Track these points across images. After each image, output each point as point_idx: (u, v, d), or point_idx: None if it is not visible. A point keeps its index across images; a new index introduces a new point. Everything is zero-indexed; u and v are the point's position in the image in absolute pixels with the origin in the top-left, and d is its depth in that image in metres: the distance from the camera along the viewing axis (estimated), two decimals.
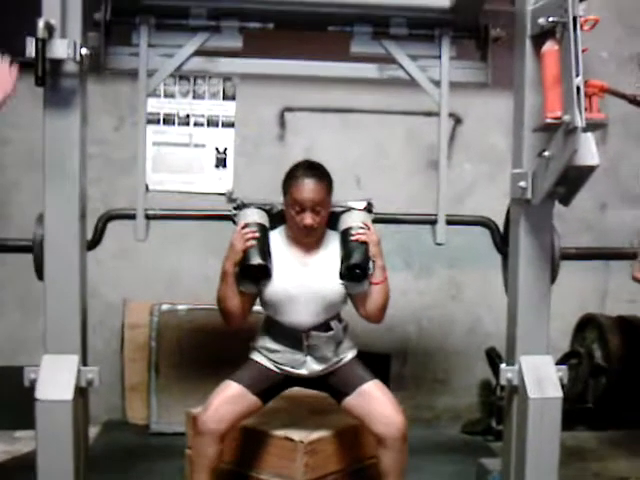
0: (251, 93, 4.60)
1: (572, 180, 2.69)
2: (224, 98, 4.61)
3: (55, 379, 2.66)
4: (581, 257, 3.32)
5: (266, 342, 3.19)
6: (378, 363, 4.57)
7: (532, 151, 2.81)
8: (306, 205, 3.05)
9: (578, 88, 2.44)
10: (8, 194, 4.50)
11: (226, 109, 4.62)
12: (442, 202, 3.52)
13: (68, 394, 2.63)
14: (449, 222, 3.54)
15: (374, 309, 3.18)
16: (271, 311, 3.17)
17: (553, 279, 2.99)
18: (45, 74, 2.47)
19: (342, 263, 3.12)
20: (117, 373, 4.56)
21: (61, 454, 2.64)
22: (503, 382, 2.99)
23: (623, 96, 3.24)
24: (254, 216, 3.18)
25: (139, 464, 3.90)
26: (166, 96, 4.56)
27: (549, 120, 2.59)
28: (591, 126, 2.52)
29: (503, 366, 3.01)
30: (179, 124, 4.60)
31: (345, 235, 3.16)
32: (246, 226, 3.11)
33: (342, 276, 3.12)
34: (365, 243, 3.10)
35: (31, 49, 2.48)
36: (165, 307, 4.44)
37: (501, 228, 3.41)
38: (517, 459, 2.94)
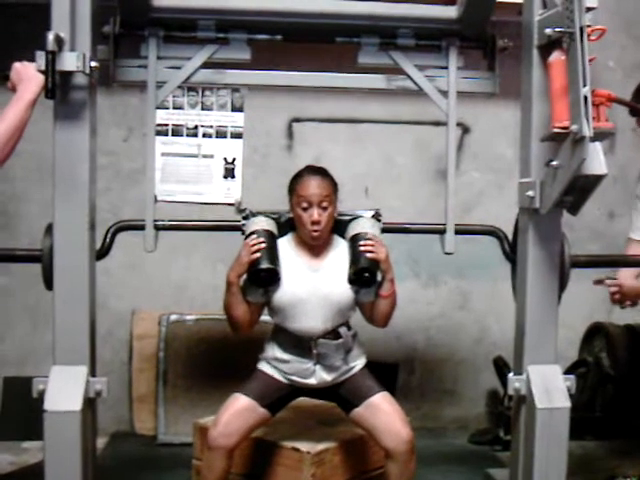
0: (259, 104, 4.62)
1: (580, 189, 2.69)
2: (232, 109, 4.63)
3: (63, 390, 2.67)
4: (591, 264, 3.30)
5: (275, 352, 3.18)
6: (386, 373, 4.57)
7: (540, 160, 2.82)
8: (312, 200, 3.06)
9: (585, 98, 2.45)
10: (17, 205, 4.51)
11: (234, 120, 4.63)
12: (450, 211, 3.51)
13: (76, 405, 2.63)
14: (457, 232, 3.53)
15: (380, 318, 3.19)
16: (280, 318, 3.15)
17: (563, 287, 2.98)
18: (55, 86, 2.48)
19: (350, 267, 3.11)
20: (125, 384, 4.56)
21: (69, 465, 2.64)
22: (511, 392, 2.98)
23: (630, 105, 3.24)
24: (262, 223, 3.18)
25: (147, 475, 3.90)
26: (175, 107, 4.58)
27: (557, 130, 2.59)
28: (599, 135, 2.52)
29: (511, 376, 3.00)
30: (188, 135, 4.61)
31: (354, 241, 3.15)
32: (253, 233, 3.11)
33: (351, 281, 3.10)
34: (374, 261, 3.08)
35: (41, 62, 2.50)
36: (173, 317, 4.44)
37: (509, 236, 3.40)
38: (525, 469, 2.94)
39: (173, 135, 4.59)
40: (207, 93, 4.60)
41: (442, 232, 3.52)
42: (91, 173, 2.77)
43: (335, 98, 4.49)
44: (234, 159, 4.63)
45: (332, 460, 3.33)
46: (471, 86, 3.51)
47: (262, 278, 3.06)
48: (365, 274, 3.08)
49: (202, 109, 4.61)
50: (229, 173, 4.63)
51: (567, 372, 3.02)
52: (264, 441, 3.33)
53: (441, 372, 4.85)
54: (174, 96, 4.53)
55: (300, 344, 3.13)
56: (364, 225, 3.20)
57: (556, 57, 2.65)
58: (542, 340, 2.95)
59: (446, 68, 3.46)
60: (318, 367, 3.14)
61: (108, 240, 3.35)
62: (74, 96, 2.68)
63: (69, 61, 2.57)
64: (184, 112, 4.60)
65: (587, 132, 2.44)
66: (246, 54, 3.39)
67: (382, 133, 4.71)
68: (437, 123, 4.47)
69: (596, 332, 4.64)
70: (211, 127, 4.62)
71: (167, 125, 4.57)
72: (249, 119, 4.64)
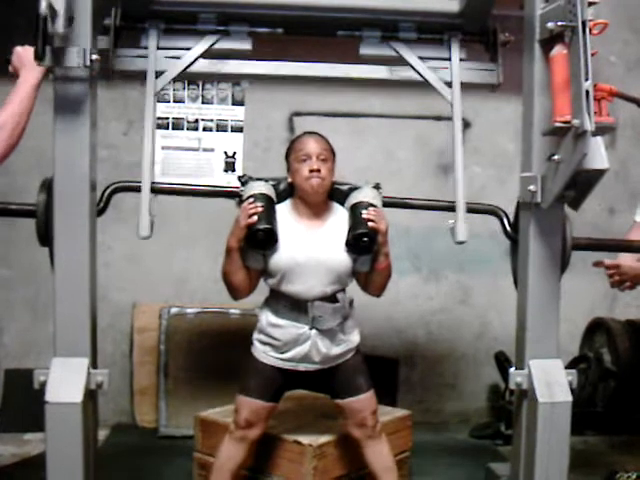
0: (260, 98, 4.62)
1: (581, 184, 2.69)
2: (233, 103, 4.63)
3: (65, 382, 2.67)
4: (592, 247, 3.28)
5: (268, 317, 3.11)
6: (387, 367, 4.58)
7: (541, 155, 2.81)
8: (311, 152, 3.05)
9: (587, 92, 2.45)
10: (17, 199, 4.50)
11: (235, 114, 4.63)
12: (460, 197, 3.39)
13: (78, 397, 2.64)
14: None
15: (374, 288, 3.17)
16: (276, 281, 3.09)
17: (564, 268, 2.98)
18: (45, 49, 2.45)
19: (350, 231, 3.05)
20: (126, 376, 4.57)
21: (70, 457, 2.65)
22: (512, 386, 2.99)
23: (632, 99, 3.24)
24: (260, 188, 3.14)
25: (148, 467, 3.90)
26: (175, 101, 4.58)
27: (558, 124, 2.59)
28: (600, 130, 2.52)
29: (512, 370, 3.00)
30: (188, 129, 4.61)
31: (356, 208, 3.10)
32: (251, 197, 3.07)
33: (349, 244, 3.05)
34: (374, 230, 3.03)
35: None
36: (174, 310, 4.45)
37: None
38: (526, 464, 2.94)
39: (174, 129, 4.59)
40: (208, 86, 4.60)
41: (448, 209, 3.43)
42: (92, 166, 2.77)
43: (336, 92, 4.48)
44: (234, 153, 4.63)
45: (334, 453, 3.34)
46: (474, 77, 3.47)
47: (260, 239, 3.00)
48: (364, 239, 3.02)
49: (203, 103, 4.61)
50: (229, 167, 4.63)
51: (568, 367, 3.02)
52: (266, 434, 3.32)
53: (442, 367, 4.85)
54: (174, 89, 4.54)
55: (296, 307, 3.07)
56: (367, 194, 3.16)
57: (558, 51, 2.65)
58: (544, 334, 2.95)
59: (449, 60, 3.43)
60: (314, 332, 3.07)
61: (105, 199, 3.28)
62: (74, 90, 2.68)
63: (70, 55, 2.58)
64: (185, 105, 4.60)
65: (589, 126, 2.44)
66: (247, 44, 3.37)
67: (383, 127, 4.71)
68: (438, 117, 4.49)
69: (597, 327, 4.65)
70: (212, 121, 4.62)
71: (167, 118, 4.57)
72: (250, 113, 4.64)
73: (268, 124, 4.67)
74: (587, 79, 2.46)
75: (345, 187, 3.21)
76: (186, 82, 4.56)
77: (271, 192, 3.15)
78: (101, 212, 3.24)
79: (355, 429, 3.17)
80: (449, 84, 3.41)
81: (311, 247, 3.05)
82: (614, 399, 4.46)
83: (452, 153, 3.37)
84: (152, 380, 4.47)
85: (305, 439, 3.28)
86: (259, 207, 3.00)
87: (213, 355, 4.32)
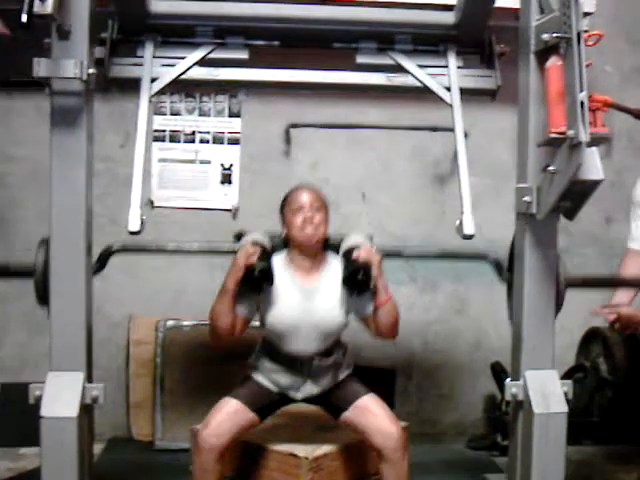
0: (256, 110, 4.62)
1: (577, 194, 2.69)
2: (230, 115, 4.63)
3: (60, 396, 2.66)
4: (587, 284, 3.31)
5: (265, 363, 3.22)
6: (383, 378, 4.57)
7: (537, 166, 2.82)
8: (304, 204, 3.11)
9: (582, 103, 2.45)
10: (13, 212, 4.51)
11: (232, 126, 4.63)
12: (466, 195, 3.34)
13: (73, 411, 2.63)
14: (448, 256, 3.68)
15: (385, 328, 3.20)
16: (271, 336, 3.20)
17: (559, 307, 2.99)
18: (31, 19, 2.37)
19: (344, 271, 3.12)
20: (122, 389, 4.55)
21: (66, 471, 2.63)
22: (508, 397, 2.98)
23: (627, 110, 3.25)
24: (257, 237, 3.21)
25: None
26: (172, 114, 4.58)
27: (554, 135, 2.59)
28: (596, 140, 2.53)
29: (508, 381, 3.00)
30: (185, 141, 4.62)
31: (347, 253, 3.17)
32: (249, 243, 3.13)
33: (346, 283, 3.12)
34: (367, 264, 3.09)
35: (38, 69, 2.49)
36: (170, 323, 4.44)
37: (503, 257, 3.40)
38: (522, 475, 2.93)
39: (170, 141, 4.60)
40: (205, 99, 4.60)
41: (442, 257, 3.61)
42: (88, 179, 2.77)
43: (332, 104, 4.49)
44: (231, 165, 4.63)
45: (330, 466, 3.33)
46: (473, 83, 3.46)
47: (257, 279, 3.05)
48: (359, 274, 3.08)
49: (199, 115, 4.61)
50: (226, 179, 4.63)
51: (564, 377, 3.02)
52: (261, 447, 3.33)
53: (439, 377, 4.84)
54: (172, 102, 4.55)
55: (292, 360, 3.18)
56: (356, 239, 3.23)
57: (553, 62, 2.65)
58: (539, 345, 2.95)
59: (446, 67, 3.42)
60: (309, 381, 3.20)
61: (102, 260, 3.38)
62: (71, 103, 2.68)
63: (66, 68, 2.58)
64: (181, 118, 4.60)
65: (584, 137, 2.44)
66: (244, 54, 3.37)
67: (380, 139, 4.71)
68: (434, 129, 4.49)
69: (593, 337, 4.64)
70: (208, 133, 4.63)
71: (164, 131, 4.58)
72: (246, 125, 4.64)
73: (265, 136, 4.67)
74: (582, 90, 2.46)
75: (339, 238, 3.28)
76: (183, 94, 4.57)
77: (267, 242, 3.22)
78: (97, 271, 3.29)
79: (375, 438, 3.09)
80: (448, 89, 3.40)
81: (306, 309, 3.13)
82: (611, 409, 4.45)
83: (449, 163, 3.39)
84: (148, 393, 4.45)
85: (301, 451, 3.27)
86: (257, 249, 3.08)
87: (209, 368, 4.30)
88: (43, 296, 2.81)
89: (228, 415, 3.07)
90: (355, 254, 3.11)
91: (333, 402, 3.22)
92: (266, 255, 3.12)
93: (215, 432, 3.02)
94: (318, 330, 3.14)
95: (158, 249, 3.61)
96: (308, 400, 3.27)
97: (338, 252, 3.24)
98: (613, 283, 3.45)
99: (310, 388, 3.21)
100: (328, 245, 3.24)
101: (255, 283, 3.08)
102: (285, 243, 3.22)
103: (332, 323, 3.16)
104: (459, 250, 3.71)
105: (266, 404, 3.19)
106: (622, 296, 3.45)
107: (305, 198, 3.13)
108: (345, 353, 3.28)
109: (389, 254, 3.54)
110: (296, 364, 3.18)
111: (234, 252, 3.17)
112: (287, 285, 3.15)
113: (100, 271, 3.36)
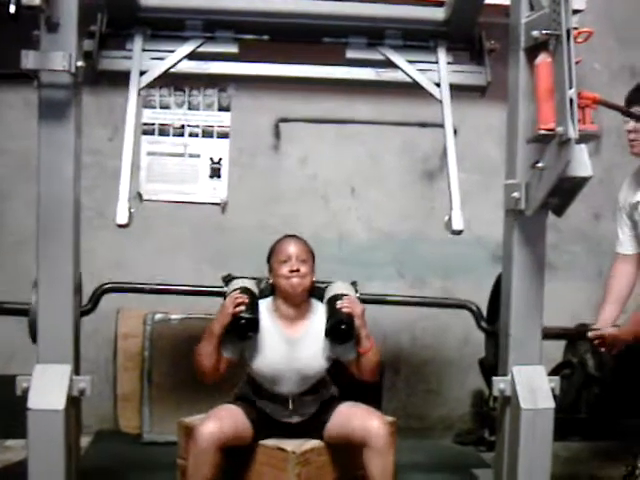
0: (246, 104, 4.61)
1: (565, 191, 2.70)
2: (219, 109, 4.62)
3: (47, 388, 2.66)
4: (563, 337, 3.50)
5: (250, 396, 3.33)
6: None
7: (526, 162, 2.83)
8: (291, 254, 3.22)
9: (571, 100, 2.46)
10: (2, 204, 4.49)
11: (221, 120, 4.62)
12: (455, 191, 3.30)
13: (60, 404, 2.63)
14: (428, 305, 3.91)
15: (367, 373, 3.30)
16: (259, 379, 3.29)
17: None
18: (20, 10, 2.36)
19: (328, 322, 3.20)
20: (110, 382, 4.54)
21: (52, 464, 2.64)
22: (495, 393, 2.99)
23: (616, 107, 3.24)
24: (245, 283, 3.32)
25: (131, 474, 3.87)
26: (161, 107, 4.57)
27: (543, 131, 2.60)
28: (584, 137, 2.54)
29: (495, 377, 3.01)
30: (174, 135, 4.60)
31: (330, 302, 3.26)
32: (237, 290, 3.23)
33: (328, 335, 3.20)
34: (350, 315, 3.17)
35: (26, 62, 2.48)
36: (158, 316, 4.43)
37: (483, 306, 3.49)
38: (509, 470, 2.94)
39: (160, 135, 4.58)
40: (194, 92, 4.59)
41: (420, 305, 3.82)
42: (76, 172, 2.77)
43: (322, 98, 4.48)
44: (220, 159, 4.62)
45: (317, 460, 3.32)
46: (462, 79, 3.46)
47: (243, 327, 3.15)
48: (342, 326, 3.16)
49: (189, 109, 4.60)
50: (215, 173, 4.62)
51: (552, 373, 3.03)
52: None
53: (427, 372, 4.85)
54: (161, 96, 4.53)
55: (277, 397, 3.29)
56: (339, 287, 3.34)
57: (542, 59, 2.66)
58: (526, 341, 2.96)
59: (436, 63, 3.42)
60: (294, 414, 3.30)
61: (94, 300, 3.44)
62: (59, 95, 2.67)
63: (55, 61, 2.57)
64: (171, 112, 4.58)
65: (573, 134, 2.45)
66: (234, 48, 3.36)
67: (369, 134, 4.70)
68: (424, 124, 4.49)
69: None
70: (197, 127, 4.61)
71: (153, 124, 4.56)
72: (236, 119, 4.63)
73: (254, 130, 4.66)
74: (571, 87, 2.47)
75: (323, 285, 3.39)
76: (172, 88, 4.55)
77: (254, 288, 3.32)
78: (89, 312, 3.36)
79: (357, 432, 3.14)
80: (438, 85, 3.40)
81: (290, 358, 3.23)
82: (598, 405, 4.47)
83: (439, 158, 3.38)
84: (136, 386, 4.44)
85: (288, 446, 3.27)
86: (245, 298, 3.17)
87: None
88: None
89: (228, 414, 3.15)
90: (339, 304, 3.19)
91: (320, 420, 3.29)
92: (253, 304, 3.21)
93: (219, 426, 3.06)
94: (300, 375, 3.25)
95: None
96: (295, 427, 3.33)
97: (322, 300, 3.33)
98: (586, 332, 3.56)
99: (294, 418, 3.31)
100: (314, 292, 3.33)
101: (241, 331, 3.17)
102: (272, 289, 3.31)
103: (314, 370, 3.27)
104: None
105: (260, 418, 3.26)
106: (610, 309, 3.49)
107: (292, 249, 3.23)
108: (328, 386, 3.39)
109: (373, 302, 3.61)
110: (281, 400, 3.28)
111: (223, 294, 3.28)
112: (272, 333, 3.24)
113: (92, 311, 3.43)
